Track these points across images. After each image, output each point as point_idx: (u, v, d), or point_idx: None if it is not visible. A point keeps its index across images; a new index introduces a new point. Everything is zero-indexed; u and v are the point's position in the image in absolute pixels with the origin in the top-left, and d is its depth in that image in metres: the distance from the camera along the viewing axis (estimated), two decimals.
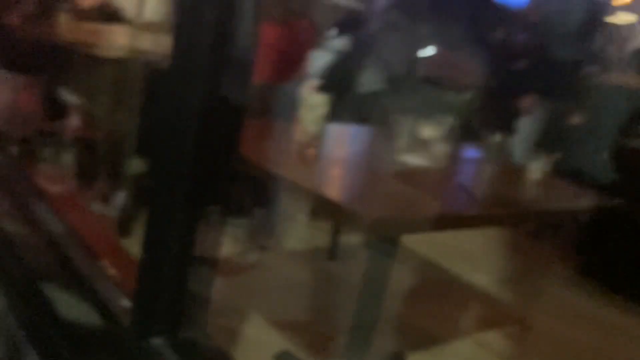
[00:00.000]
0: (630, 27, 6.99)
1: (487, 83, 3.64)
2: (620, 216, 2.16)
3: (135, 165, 2.52)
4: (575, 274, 3.16)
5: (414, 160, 1.91)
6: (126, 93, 2.54)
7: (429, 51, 3.86)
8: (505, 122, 3.60)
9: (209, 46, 0.90)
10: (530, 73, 3.50)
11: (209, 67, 0.91)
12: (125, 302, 1.07)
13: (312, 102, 1.63)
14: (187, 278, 1.03)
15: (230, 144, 1.11)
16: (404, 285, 2.58)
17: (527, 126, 3.50)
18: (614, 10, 6.60)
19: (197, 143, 0.95)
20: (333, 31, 4.90)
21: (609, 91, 3.56)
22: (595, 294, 3.00)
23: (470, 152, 2.19)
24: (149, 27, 2.68)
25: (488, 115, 3.56)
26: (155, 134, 1.01)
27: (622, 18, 7.20)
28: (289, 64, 2.66)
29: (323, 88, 2.79)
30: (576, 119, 3.49)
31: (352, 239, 2.57)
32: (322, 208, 1.37)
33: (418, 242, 2.91)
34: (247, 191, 2.35)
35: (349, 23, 5.14)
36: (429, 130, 2.10)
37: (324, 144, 1.72)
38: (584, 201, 2.21)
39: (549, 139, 3.41)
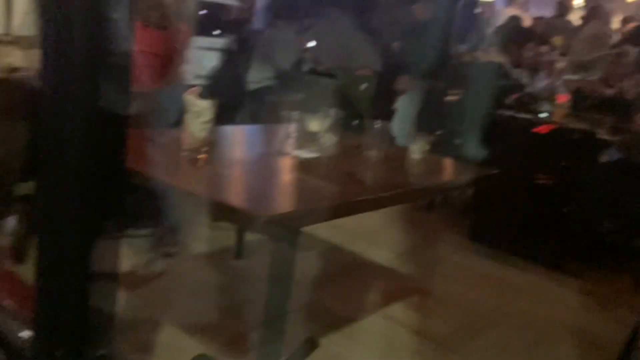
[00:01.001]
0: (491, 5, 7.53)
1: (367, 69, 3.81)
2: (495, 183, 2.37)
3: (24, 187, 2.41)
4: (465, 239, 3.43)
5: (305, 153, 1.99)
6: (4, 113, 2.41)
7: (312, 43, 3.96)
8: (385, 106, 3.79)
9: (81, 56, 0.89)
10: (403, 55, 3.70)
11: (85, 78, 0.90)
12: (26, 332, 1.06)
13: (197, 107, 1.65)
14: (89, 297, 1.03)
15: (117, 156, 1.11)
16: (311, 272, 2.68)
17: (404, 109, 3.70)
18: None
19: (82, 158, 0.94)
20: (216, 31, 4.88)
21: (477, 68, 3.85)
22: (483, 254, 3.27)
23: (356, 139, 2.30)
24: (19, 43, 2.56)
25: (369, 101, 3.74)
26: (38, 153, 1.00)
27: None
28: (171, 68, 2.65)
29: (210, 90, 2.80)
30: (450, 97, 3.75)
31: (256, 234, 2.62)
32: (219, 211, 1.42)
33: (319, 228, 3.02)
34: (144, 201, 2.32)
35: (233, 22, 5.14)
36: (316, 123, 2.19)
37: (214, 148, 1.75)
38: (465, 174, 2.40)
39: (427, 119, 3.64)
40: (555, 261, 3.20)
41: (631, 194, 2.72)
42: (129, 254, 2.63)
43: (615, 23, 5.75)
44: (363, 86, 3.59)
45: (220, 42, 4.48)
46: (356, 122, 3.05)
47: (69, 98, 0.89)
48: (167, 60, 2.60)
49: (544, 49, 3.87)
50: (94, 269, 1.03)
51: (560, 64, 4.97)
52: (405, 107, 3.71)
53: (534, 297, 2.88)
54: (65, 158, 0.93)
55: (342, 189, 1.69)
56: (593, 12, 4.98)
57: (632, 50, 3.95)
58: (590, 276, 3.17)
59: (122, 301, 2.20)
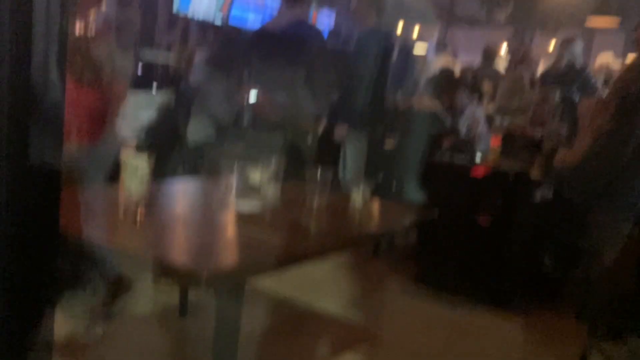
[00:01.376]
0: (423, 55, 7.89)
1: (308, 119, 3.87)
2: (437, 226, 2.42)
3: None
4: (411, 282, 3.45)
5: (247, 205, 1.97)
6: None
7: (251, 96, 4.00)
8: (327, 155, 3.84)
9: (9, 112, 0.86)
10: (343, 104, 3.79)
11: (13, 135, 0.87)
12: None
13: (134, 163, 1.62)
14: None
15: (50, 216, 1.06)
16: (258, 326, 2.62)
17: (347, 156, 3.77)
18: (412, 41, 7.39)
19: (11, 219, 0.90)
20: (154, 86, 4.86)
21: (413, 115, 3.99)
22: (430, 296, 3.30)
23: (298, 188, 2.31)
24: None
25: (313, 150, 3.77)
26: None
27: (418, 48, 8.08)
28: (106, 125, 2.60)
29: (148, 144, 2.76)
30: (389, 143, 3.84)
31: (200, 290, 2.56)
32: (160, 270, 1.37)
33: (266, 280, 2.98)
34: (80, 263, 2.23)
35: (171, 75, 5.14)
36: (258, 174, 2.19)
37: (152, 204, 1.71)
38: (407, 218, 2.44)
39: (369, 166, 3.71)
40: (499, 299, 3.26)
41: (564, 230, 2.83)
42: (65, 320, 2.50)
43: (541, 68, 6.13)
44: (308, 137, 3.63)
45: (158, 96, 4.46)
46: (299, 171, 3.07)
47: None
48: (102, 117, 2.56)
49: (474, 95, 4.06)
50: (27, 339, 0.97)
51: (490, 109, 5.22)
52: (347, 154, 3.77)
53: (482, 337, 2.91)
54: None
55: (285, 240, 1.68)
56: (518, 58, 5.28)
57: (554, 94, 4.20)
58: (535, 312, 3.24)
59: None
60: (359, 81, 3.68)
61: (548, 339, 2.94)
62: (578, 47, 5.10)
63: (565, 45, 5.13)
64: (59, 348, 2.23)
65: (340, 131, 3.68)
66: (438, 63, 6.39)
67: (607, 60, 5.96)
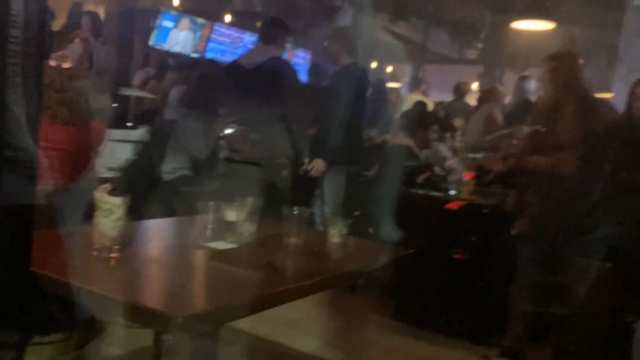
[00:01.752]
0: (397, 90, 8.04)
1: (283, 155, 3.88)
2: (413, 261, 2.43)
3: None
4: (389, 319, 3.44)
5: (223, 244, 1.95)
6: None
7: (229, 131, 4.00)
8: (303, 193, 3.85)
9: None
10: (320, 141, 3.82)
11: None
12: None
13: (108, 204, 1.60)
14: None
15: (21, 257, 1.04)
16: None
17: (323, 193, 3.78)
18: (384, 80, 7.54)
19: None
20: (129, 123, 4.83)
21: (387, 150, 4.03)
22: (408, 333, 3.29)
23: (275, 226, 2.30)
24: None
25: (288, 188, 3.78)
26: None
27: (390, 85, 8.24)
28: (81, 165, 2.58)
29: (123, 183, 2.74)
30: (364, 180, 3.88)
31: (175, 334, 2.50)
32: (134, 314, 1.34)
33: (243, 320, 2.93)
34: (52, 305, 2.17)
35: (146, 112, 5.13)
36: (234, 213, 2.18)
37: (127, 245, 1.69)
38: (384, 254, 2.44)
39: (345, 202, 3.73)
40: (477, 335, 3.26)
41: (538, 264, 2.86)
42: None
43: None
44: (284, 173, 3.64)
45: (133, 134, 4.44)
46: (276, 208, 3.06)
47: None
48: (78, 157, 2.54)
49: (446, 131, 4.14)
50: None
51: (462, 144, 5.31)
52: (324, 191, 3.78)
53: None
54: None
55: (262, 280, 1.66)
56: (487, 95, 5.42)
57: (523, 129, 4.29)
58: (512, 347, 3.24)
59: None
60: (334, 118, 3.72)
61: None
62: (532, 83, 5.26)
63: (520, 81, 5.29)
64: None
65: (319, 167, 3.70)
66: (411, 100, 6.51)
67: None
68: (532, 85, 5.32)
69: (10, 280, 1.02)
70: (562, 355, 2.38)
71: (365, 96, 4.00)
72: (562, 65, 3.02)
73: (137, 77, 6.24)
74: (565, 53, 3.20)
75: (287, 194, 3.57)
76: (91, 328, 2.60)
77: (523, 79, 5.38)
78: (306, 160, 3.84)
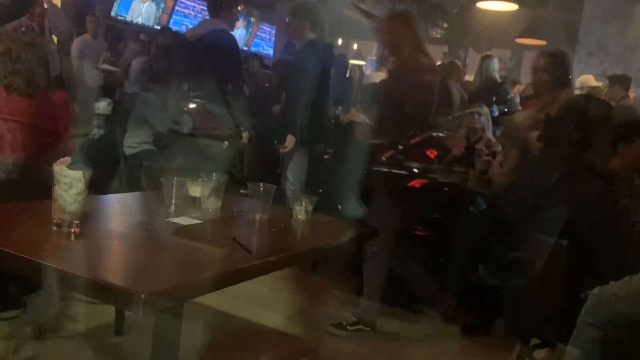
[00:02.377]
0: (360, 67, 8.02)
1: (250, 131, 3.85)
2: (376, 238, 2.46)
3: None
4: (352, 295, 3.49)
5: (187, 220, 1.93)
6: None
7: (192, 106, 3.94)
8: (269, 169, 3.84)
9: None
10: (285, 118, 3.79)
11: None
12: None
13: (68, 178, 1.55)
14: None
15: None
16: (198, 342, 2.57)
17: (289, 170, 3.77)
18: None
19: None
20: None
21: (351, 128, 4.04)
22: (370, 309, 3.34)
23: (240, 203, 2.29)
24: None
25: (255, 163, 3.76)
26: None
27: (355, 62, 8.23)
28: (47, 139, 2.49)
29: (83, 157, 2.66)
30: (329, 157, 3.88)
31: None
32: (95, 290, 1.32)
33: (205, 295, 2.93)
34: (9, 281, 2.13)
35: (107, 85, 4.99)
36: (198, 188, 2.16)
37: (87, 220, 1.65)
38: (348, 232, 2.46)
39: (310, 179, 3.73)
40: (437, 310, 3.34)
41: (498, 241, 2.94)
42: None
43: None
44: (224, 145, 3.59)
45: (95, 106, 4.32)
46: (239, 184, 3.04)
47: None
48: (39, 130, 2.45)
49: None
50: None
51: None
52: (289, 168, 3.77)
53: (420, 347, 2.97)
54: None
55: (226, 257, 1.66)
56: (447, 70, 5.46)
57: (484, 109, 4.37)
58: (470, 322, 3.34)
59: None
60: (299, 95, 3.69)
61: (483, 348, 3.04)
62: (495, 63, 5.34)
63: (483, 61, 5.36)
64: None
65: (291, 145, 3.67)
66: (376, 78, 6.52)
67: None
68: (495, 64, 5.40)
69: None
70: (516, 329, 2.47)
71: (330, 74, 3.97)
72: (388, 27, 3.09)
73: (98, 49, 6.05)
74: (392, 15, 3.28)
75: (240, 169, 3.54)
76: (49, 304, 2.56)
77: (486, 58, 5.45)
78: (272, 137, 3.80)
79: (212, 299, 3.02)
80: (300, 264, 3.38)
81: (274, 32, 10.75)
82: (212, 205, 2.15)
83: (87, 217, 1.65)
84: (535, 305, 2.34)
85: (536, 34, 7.62)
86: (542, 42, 7.27)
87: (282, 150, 3.69)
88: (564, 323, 2.13)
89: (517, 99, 5.46)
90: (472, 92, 5.29)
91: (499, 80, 5.44)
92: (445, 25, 9.75)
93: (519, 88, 6.25)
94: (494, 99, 5.00)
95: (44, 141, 2.45)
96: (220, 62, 3.58)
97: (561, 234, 2.17)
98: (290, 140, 3.64)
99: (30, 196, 1.95)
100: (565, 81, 2.90)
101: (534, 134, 2.81)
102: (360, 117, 3.83)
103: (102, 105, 4.35)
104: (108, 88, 4.86)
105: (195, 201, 2.13)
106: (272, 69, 6.36)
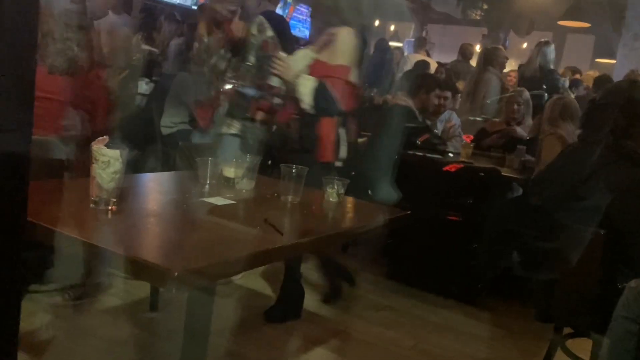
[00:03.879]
0: (400, 49, 7.90)
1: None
2: (409, 222, 2.44)
3: None
4: (381, 278, 3.49)
5: (220, 201, 1.96)
6: None
7: (228, 87, 3.95)
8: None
9: None
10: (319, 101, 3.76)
11: None
12: None
13: (106, 157, 1.59)
14: None
15: (17, 208, 1.04)
16: (229, 320, 2.62)
17: None
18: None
19: None
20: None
21: (387, 110, 4.00)
22: (399, 292, 3.34)
23: (273, 184, 2.30)
24: None
25: (295, 145, 3.74)
26: None
27: (393, 44, 8.09)
28: (83, 116, 2.55)
29: (121, 136, 2.71)
30: (362, 139, 3.84)
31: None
32: (129, 267, 1.36)
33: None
34: (49, 256, 2.19)
35: (146, 65, 5.04)
36: (232, 169, 2.18)
37: (124, 199, 1.69)
38: (380, 215, 2.45)
39: (344, 162, 3.71)
40: (467, 296, 3.32)
41: (532, 228, 2.89)
42: (35, 311, 2.46)
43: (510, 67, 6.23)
44: (260, 127, 3.59)
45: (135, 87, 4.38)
46: (273, 167, 3.06)
47: None
48: (76, 108, 2.51)
49: (447, 93, 4.10)
50: None
51: (463, 106, 5.27)
52: None
53: (449, 332, 2.96)
54: None
55: (258, 237, 1.68)
56: (489, 56, 5.34)
57: (525, 94, 4.27)
58: (502, 309, 3.31)
59: None
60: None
61: (513, 336, 3.01)
62: (551, 51, 5.20)
63: (540, 47, 5.22)
64: (25, 339, 2.19)
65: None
66: (413, 60, 6.43)
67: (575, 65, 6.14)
68: (552, 52, 5.27)
69: (6, 229, 1.02)
70: (549, 317, 2.43)
71: (362, 55, 3.92)
72: None
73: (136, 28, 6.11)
74: None
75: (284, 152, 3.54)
76: (89, 280, 2.64)
77: (544, 44, 5.30)
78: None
79: (243, 278, 3.08)
80: (332, 246, 3.40)
81: (309, 13, 10.68)
82: (246, 186, 2.17)
83: (124, 195, 1.69)
84: (569, 294, 2.29)
85: (580, 15, 7.36)
86: (586, 25, 7.04)
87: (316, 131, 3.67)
88: (599, 313, 2.09)
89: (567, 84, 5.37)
90: (525, 78, 5.20)
91: (553, 67, 5.32)
92: (484, 6, 9.51)
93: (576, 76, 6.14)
94: (546, 86, 4.91)
95: (83, 120, 2.51)
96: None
97: (598, 222, 2.12)
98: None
99: (69, 174, 2.00)
100: None
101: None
102: (407, 101, 3.79)
103: (141, 85, 4.42)
104: (146, 68, 4.92)
105: (229, 182, 2.16)
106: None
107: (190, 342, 1.78)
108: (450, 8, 9.74)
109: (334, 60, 2.75)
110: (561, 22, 8.07)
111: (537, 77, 5.05)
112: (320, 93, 2.67)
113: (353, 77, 2.80)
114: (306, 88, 2.67)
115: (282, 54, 2.85)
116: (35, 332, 2.32)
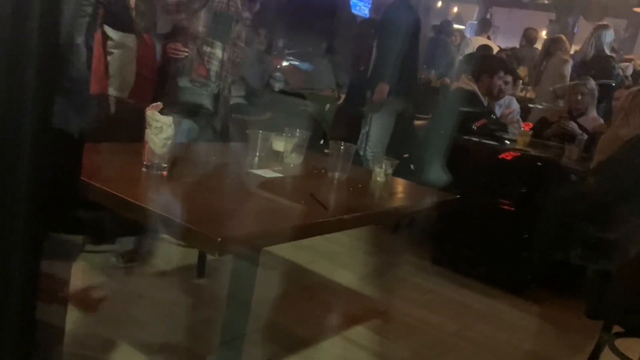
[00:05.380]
0: (461, 32, 7.70)
1: (331, 89, 3.83)
2: (459, 207, 2.40)
3: None
4: (428, 262, 3.45)
5: (269, 173, 1.98)
6: None
7: (284, 64, 3.97)
8: (352, 128, 3.81)
9: (35, 62, 0.85)
10: (373, 79, 3.73)
11: (38, 84, 0.87)
12: None
13: (159, 123, 1.62)
14: (35, 315, 0.99)
15: (72, 169, 1.07)
16: (272, 292, 2.66)
17: (373, 131, 3.73)
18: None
19: (34, 171, 0.90)
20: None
21: (446, 93, 3.91)
22: (445, 277, 3.30)
23: (321, 160, 2.31)
24: None
25: (340, 122, 3.74)
26: None
27: (455, 27, 7.91)
28: (142, 80, 2.61)
29: (176, 105, 2.77)
30: (418, 121, 3.79)
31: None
32: (178, 231, 1.39)
33: (283, 247, 3.01)
34: (101, 217, 2.28)
35: None
36: (281, 143, 2.19)
37: (176, 165, 1.73)
38: (428, 198, 2.41)
39: (394, 142, 3.67)
40: (516, 286, 3.24)
41: (589, 221, 2.78)
42: (87, 271, 2.57)
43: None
44: (327, 106, 3.60)
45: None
46: (323, 143, 3.06)
47: (20, 107, 0.86)
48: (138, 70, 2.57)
49: (509, 78, 3.96)
50: (41, 286, 0.99)
51: (527, 94, 5.10)
52: (373, 129, 3.74)
53: (494, 321, 2.90)
54: (15, 171, 0.89)
55: (304, 210, 1.68)
56: (552, 45, 5.13)
57: (590, 84, 4.07)
58: (550, 302, 3.22)
59: (79, 319, 2.15)
60: (389, 53, 3.62)
61: (560, 330, 2.92)
62: (608, 34, 4.89)
63: (596, 31, 4.93)
64: (76, 299, 2.30)
65: (382, 91, 3.60)
66: (475, 44, 6.24)
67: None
68: (610, 36, 4.95)
69: (63, 190, 1.06)
70: (599, 314, 2.34)
71: (418, 34, 3.84)
72: None
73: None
74: None
75: (332, 128, 3.54)
76: (137, 241, 2.73)
77: (601, 27, 5.01)
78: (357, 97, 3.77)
79: (288, 252, 3.11)
80: (378, 225, 3.38)
81: None
82: (294, 160, 2.19)
83: (176, 162, 1.73)
84: (623, 292, 2.20)
85: None
86: None
87: (374, 98, 3.64)
88: None
89: (629, 72, 5.06)
90: (579, 63, 4.95)
91: (609, 53, 5.02)
92: None
93: (635, 62, 5.78)
94: (596, 72, 4.66)
95: (141, 84, 2.57)
96: (331, 23, 3.58)
97: None
98: (381, 89, 3.58)
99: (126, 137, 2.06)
100: None
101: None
102: (472, 85, 3.70)
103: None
104: None
105: (278, 155, 2.17)
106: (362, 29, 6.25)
107: (233, 309, 1.82)
108: None
109: None
110: (637, 9, 7.63)
111: (590, 63, 4.79)
112: None
113: None
114: None
115: None
116: (87, 289, 2.42)
